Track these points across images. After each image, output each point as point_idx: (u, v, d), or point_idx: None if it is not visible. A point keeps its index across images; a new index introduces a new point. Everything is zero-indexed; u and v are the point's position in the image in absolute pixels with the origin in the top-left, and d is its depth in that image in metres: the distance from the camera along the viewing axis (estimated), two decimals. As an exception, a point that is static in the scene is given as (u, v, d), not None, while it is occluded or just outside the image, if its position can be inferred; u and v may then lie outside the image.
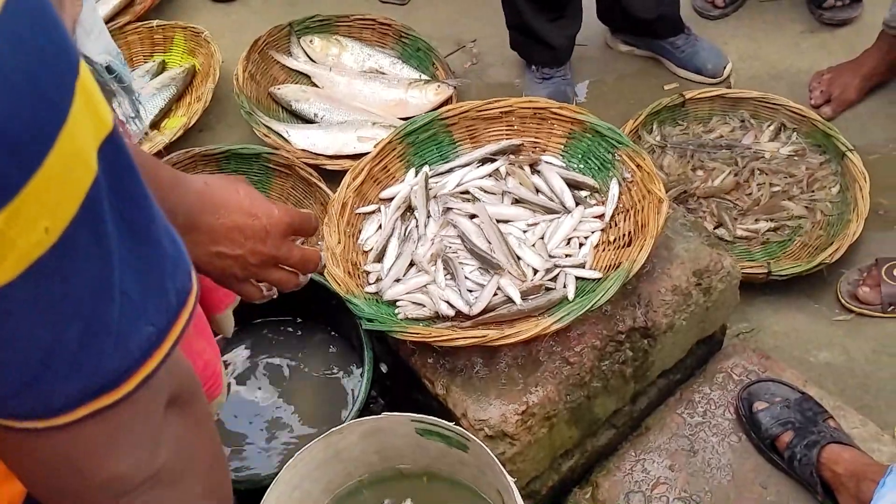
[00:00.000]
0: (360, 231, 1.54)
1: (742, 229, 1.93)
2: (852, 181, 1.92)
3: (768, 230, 1.92)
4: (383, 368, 1.54)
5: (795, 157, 2.03)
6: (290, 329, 1.60)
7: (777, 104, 2.08)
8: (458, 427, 1.25)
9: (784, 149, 2.04)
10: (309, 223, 0.96)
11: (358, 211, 1.54)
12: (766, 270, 1.79)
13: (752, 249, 1.91)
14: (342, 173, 1.59)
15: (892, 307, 1.77)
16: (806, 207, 1.94)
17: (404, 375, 1.48)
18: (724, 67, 2.27)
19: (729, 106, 2.13)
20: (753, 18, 2.43)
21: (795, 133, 2.06)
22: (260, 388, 1.54)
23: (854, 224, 1.83)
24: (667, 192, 1.95)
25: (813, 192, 1.97)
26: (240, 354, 1.58)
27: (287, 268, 0.95)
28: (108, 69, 0.96)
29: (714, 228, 1.93)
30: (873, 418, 1.55)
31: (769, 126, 2.08)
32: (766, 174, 2.00)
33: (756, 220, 1.94)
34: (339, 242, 1.47)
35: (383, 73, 2.30)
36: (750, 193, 1.98)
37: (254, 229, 0.88)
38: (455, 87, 2.21)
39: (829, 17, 2.36)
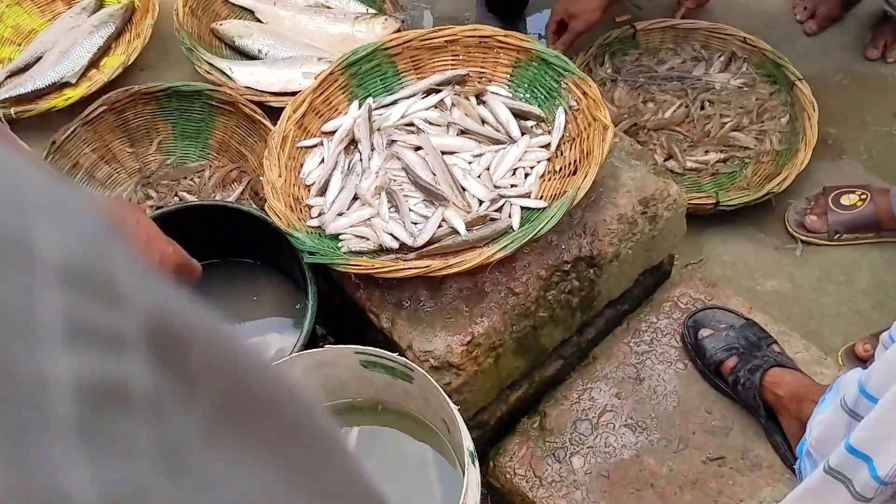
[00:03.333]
0: (301, 165, 1.50)
1: (692, 161, 1.92)
2: (801, 111, 1.92)
3: (717, 161, 1.92)
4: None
5: (745, 88, 2.02)
6: (231, 269, 1.57)
7: (727, 34, 2.07)
8: (401, 358, 1.24)
9: (734, 80, 2.03)
10: (194, 271, 0.94)
11: (299, 144, 1.51)
12: (713, 201, 1.79)
13: (701, 181, 1.91)
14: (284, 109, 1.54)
15: (839, 235, 1.79)
16: (756, 138, 1.94)
17: (351, 312, 1.47)
18: None
19: (681, 37, 2.11)
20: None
21: (746, 63, 2.05)
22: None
23: (802, 153, 1.84)
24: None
25: (763, 122, 1.97)
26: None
27: None
28: None
29: (664, 161, 1.93)
30: (817, 343, 1.57)
31: (720, 57, 2.07)
32: (717, 105, 1.99)
33: (706, 151, 1.94)
34: (280, 176, 1.44)
35: (329, 8, 2.23)
36: (699, 126, 1.97)
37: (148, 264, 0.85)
38: (403, 21, 2.15)
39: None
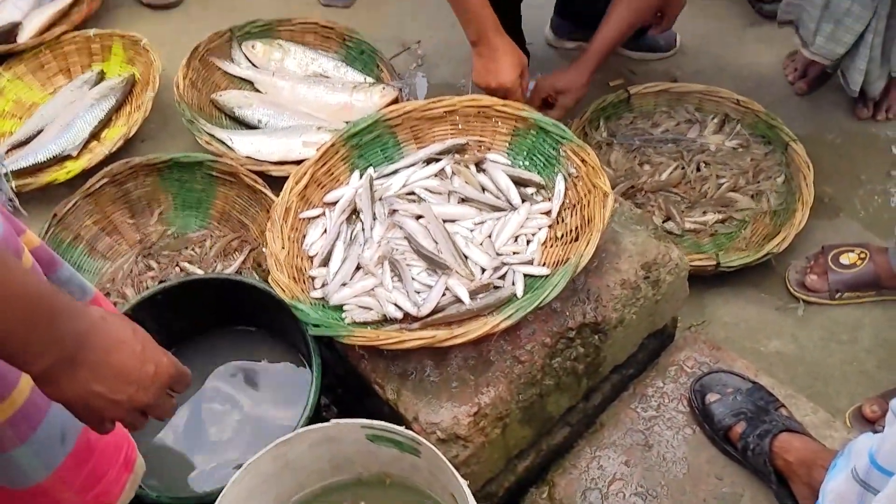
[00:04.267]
0: (304, 236, 1.50)
1: (690, 222, 1.94)
2: (796, 171, 1.94)
3: (716, 222, 1.94)
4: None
5: (740, 149, 2.05)
6: (235, 339, 1.56)
7: (721, 97, 2.10)
8: (408, 431, 1.22)
9: (729, 141, 2.06)
10: (186, 379, 0.93)
11: (302, 215, 1.51)
12: (714, 262, 1.79)
13: (700, 242, 1.92)
14: (287, 180, 1.55)
15: (840, 294, 1.79)
16: (752, 198, 1.96)
17: (355, 382, 1.45)
18: (675, 38, 2.31)
19: (674, 100, 2.15)
20: (696, 15, 2.45)
21: (739, 125, 2.08)
22: (205, 402, 1.50)
23: (800, 213, 1.85)
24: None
25: (759, 182, 1.99)
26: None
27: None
28: None
29: (663, 222, 1.94)
30: (824, 405, 1.56)
31: (713, 119, 2.10)
32: (712, 167, 2.01)
33: (704, 212, 1.95)
34: (284, 248, 1.44)
35: (327, 77, 2.27)
36: (696, 187, 1.99)
37: (141, 376, 0.85)
38: (401, 89, 2.19)
39: (769, 9, 2.39)
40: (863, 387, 1.67)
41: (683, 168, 2.03)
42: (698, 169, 2.03)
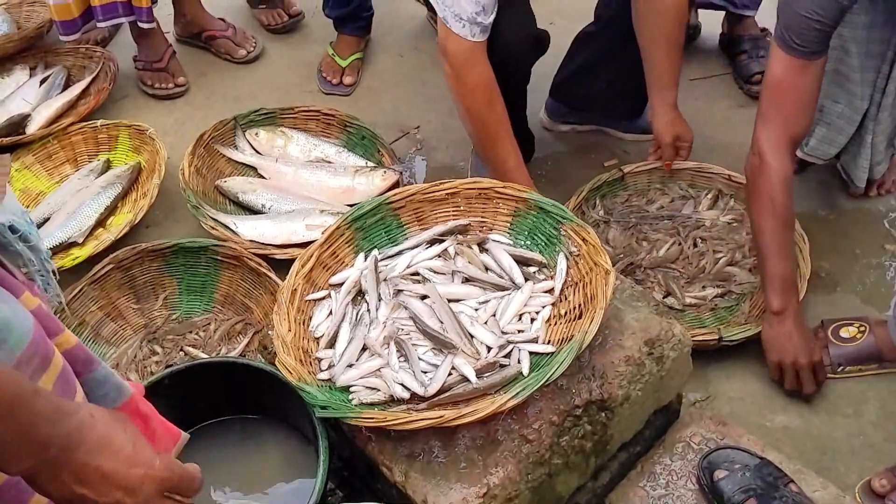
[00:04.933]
0: (310, 318, 1.52)
1: (690, 297, 1.96)
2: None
3: (716, 296, 1.96)
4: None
5: (735, 223, 2.08)
6: (241, 424, 1.55)
7: (712, 173, 2.16)
8: (418, 513, 1.22)
9: (724, 216, 2.10)
10: (192, 483, 0.89)
11: (308, 297, 1.53)
12: (717, 336, 1.81)
13: (702, 316, 1.94)
14: (292, 262, 1.58)
15: (842, 367, 1.80)
16: (750, 272, 1.98)
17: (362, 464, 1.45)
18: None
19: (667, 177, 2.20)
20: (686, 96, 2.51)
21: (733, 199, 2.13)
22: (212, 490, 1.48)
23: (798, 284, 1.87)
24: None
25: (755, 256, 2.02)
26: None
27: None
28: (12, 229, 0.91)
29: (663, 298, 1.96)
30: (833, 480, 1.55)
31: (707, 194, 2.15)
32: (709, 242, 2.05)
33: (703, 287, 1.98)
34: (290, 330, 1.45)
35: (329, 162, 2.32)
36: (694, 262, 2.02)
37: (127, 480, 0.82)
38: (401, 172, 2.24)
39: (757, 90, 2.46)
40: (871, 461, 1.67)
41: (680, 244, 2.06)
42: (695, 244, 2.06)
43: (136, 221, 2.12)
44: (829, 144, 1.98)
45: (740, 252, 2.02)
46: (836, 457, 1.68)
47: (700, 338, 1.80)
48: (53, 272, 1.00)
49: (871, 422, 1.74)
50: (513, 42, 1.89)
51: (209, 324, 1.97)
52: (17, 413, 0.74)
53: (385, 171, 2.22)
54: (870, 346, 1.78)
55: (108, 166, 2.35)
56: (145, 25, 2.57)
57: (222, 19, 2.87)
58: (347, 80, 2.67)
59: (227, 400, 1.55)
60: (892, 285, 1.98)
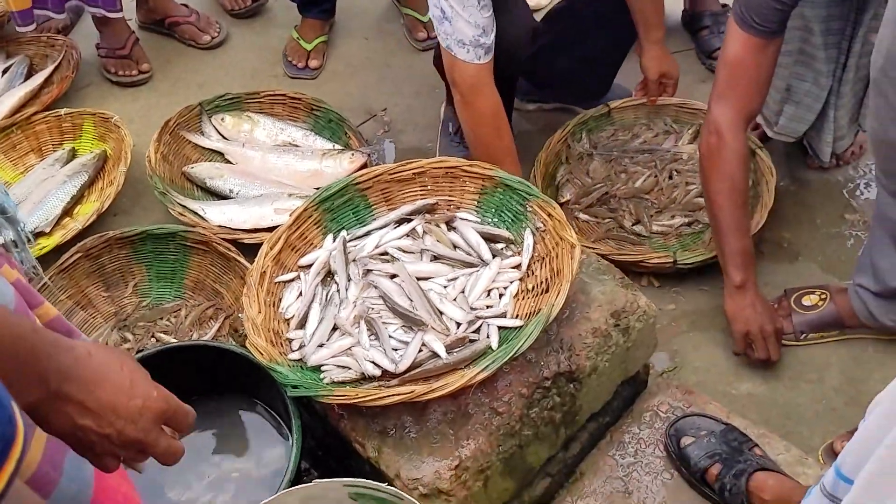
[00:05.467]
0: (280, 300, 1.53)
1: (658, 225, 2.06)
2: (761, 176, 2.04)
3: (682, 225, 2.05)
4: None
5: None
6: (213, 405, 1.56)
7: (695, 108, 2.23)
8: (391, 488, 1.24)
9: None
10: (186, 416, 0.92)
11: (277, 279, 1.54)
12: (672, 259, 1.91)
13: (667, 243, 2.04)
14: (261, 246, 1.58)
15: (804, 335, 1.84)
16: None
17: (335, 443, 1.46)
18: (630, 96, 2.40)
19: (653, 113, 2.29)
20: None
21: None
22: (185, 471, 1.49)
23: (758, 215, 1.95)
24: (590, 195, 2.12)
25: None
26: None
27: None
28: None
29: (632, 225, 2.07)
30: (797, 443, 1.60)
31: (689, 130, 2.23)
32: (683, 174, 2.14)
33: (672, 216, 2.07)
34: (260, 312, 1.46)
35: (296, 146, 2.32)
36: (667, 193, 2.11)
37: (128, 410, 0.84)
38: (369, 155, 2.24)
39: (711, 64, 2.50)
40: (833, 424, 1.71)
41: (656, 176, 2.16)
42: (671, 177, 2.16)
43: (104, 210, 2.11)
44: (798, 122, 2.02)
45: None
46: (799, 421, 1.73)
47: (656, 261, 1.92)
48: (28, 239, 1.01)
49: (833, 387, 1.78)
50: (514, 41, 1.93)
51: (180, 310, 1.97)
52: (18, 348, 0.76)
53: (353, 154, 2.23)
54: (831, 313, 1.83)
55: (73, 155, 2.33)
56: (112, 15, 2.55)
57: (185, 5, 2.85)
58: (313, 63, 2.66)
59: (199, 384, 1.56)
60: (853, 253, 2.02)
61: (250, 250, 1.93)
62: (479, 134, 1.93)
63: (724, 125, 1.75)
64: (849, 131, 2.03)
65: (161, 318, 1.97)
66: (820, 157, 2.08)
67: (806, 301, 1.85)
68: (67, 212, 2.19)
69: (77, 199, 2.22)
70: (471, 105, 1.89)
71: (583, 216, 2.12)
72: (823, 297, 1.85)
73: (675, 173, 2.16)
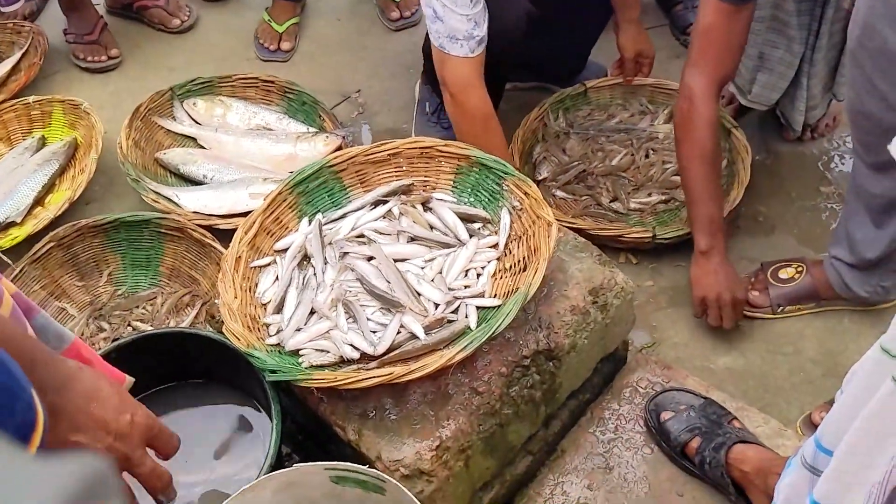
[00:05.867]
0: (256, 285, 1.52)
1: (635, 202, 2.07)
2: (737, 154, 2.06)
3: (659, 202, 2.07)
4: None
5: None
6: (192, 393, 1.55)
7: (671, 89, 2.24)
8: (372, 470, 1.23)
9: None
10: (170, 439, 0.93)
11: (253, 264, 1.53)
12: (651, 234, 1.93)
13: (644, 220, 2.06)
14: (236, 231, 1.56)
15: (781, 308, 1.85)
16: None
17: (316, 427, 1.46)
18: (606, 73, 2.40)
19: (628, 93, 2.30)
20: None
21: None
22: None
23: (735, 192, 1.97)
24: (567, 172, 2.13)
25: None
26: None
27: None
28: None
29: (609, 202, 2.08)
30: (775, 415, 1.61)
31: (664, 110, 2.24)
32: (660, 153, 2.15)
33: (649, 193, 2.09)
34: (236, 297, 1.45)
35: (270, 130, 2.30)
36: (644, 171, 2.12)
37: (118, 425, 0.85)
38: (344, 137, 2.22)
39: (685, 40, 2.50)
40: (811, 395, 1.73)
41: (633, 155, 2.17)
42: (647, 155, 2.17)
43: (76, 198, 2.08)
44: (771, 90, 2.03)
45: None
46: (777, 393, 1.74)
47: (636, 236, 1.95)
48: None
49: (810, 358, 1.80)
50: (510, 26, 1.91)
51: (156, 297, 1.95)
52: (21, 356, 0.76)
53: (327, 136, 2.21)
54: (807, 285, 1.84)
55: (43, 143, 2.29)
56: (6, 9, 2.51)
57: (153, -12, 2.80)
58: (285, 45, 2.63)
59: (178, 371, 1.55)
60: (828, 226, 2.04)
61: (226, 236, 1.91)
62: (468, 132, 1.92)
63: (696, 92, 1.76)
64: (822, 100, 2.04)
65: (137, 307, 1.95)
66: (793, 126, 2.10)
67: (782, 274, 1.86)
68: (39, 201, 2.16)
69: (48, 188, 2.18)
70: (461, 104, 1.89)
71: (560, 193, 2.12)
72: (799, 269, 1.86)
73: (652, 152, 2.17)
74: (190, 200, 2.06)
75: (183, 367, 1.55)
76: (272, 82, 2.38)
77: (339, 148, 2.18)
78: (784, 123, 2.15)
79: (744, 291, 1.81)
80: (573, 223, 1.93)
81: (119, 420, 0.85)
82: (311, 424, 1.48)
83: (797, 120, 2.05)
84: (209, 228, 1.97)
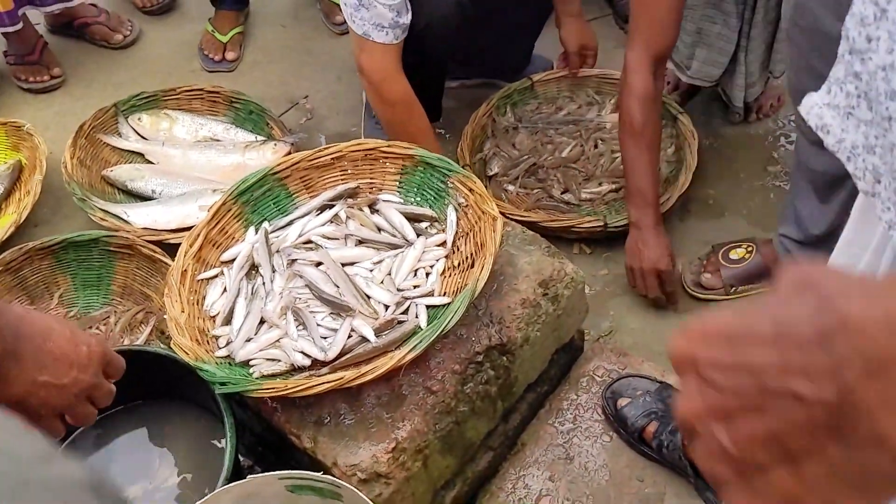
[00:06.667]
0: (204, 297, 1.50)
1: (586, 193, 2.08)
2: (683, 140, 2.08)
3: (610, 191, 2.08)
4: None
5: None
6: (146, 411, 1.53)
7: (616, 79, 2.23)
8: (327, 476, 1.23)
9: None
10: (119, 361, 0.94)
11: (200, 277, 1.51)
12: (602, 223, 1.94)
13: (596, 209, 2.08)
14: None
15: (734, 288, 1.87)
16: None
17: (273, 438, 1.45)
18: (552, 65, 2.42)
19: (575, 85, 2.31)
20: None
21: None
22: (118, 477, 1.46)
23: (683, 176, 1.99)
24: (518, 166, 2.14)
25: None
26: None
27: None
28: None
29: (561, 194, 2.09)
30: (732, 395, 1.62)
31: (611, 100, 2.25)
32: (608, 142, 2.16)
33: (599, 183, 2.10)
34: (183, 311, 1.43)
35: (218, 140, 2.28)
36: (593, 161, 2.14)
37: (79, 357, 0.86)
38: (293, 144, 2.21)
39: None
40: (767, 373, 1.74)
41: (582, 146, 2.18)
42: (596, 146, 2.18)
43: (22, 221, 2.04)
44: (711, 66, 2.05)
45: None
46: (734, 373, 1.75)
47: (587, 225, 1.95)
48: None
49: (765, 337, 1.81)
50: (440, 18, 1.92)
51: (109, 317, 1.92)
52: None
53: (276, 144, 2.19)
54: (758, 264, 1.86)
55: (-15, 167, 2.25)
56: (10, 29, 2.46)
57: (94, 5, 2.76)
58: (230, 55, 2.61)
59: (131, 389, 1.52)
60: (776, 205, 2.06)
61: (177, 251, 1.89)
62: (392, 120, 1.95)
63: (629, 65, 1.79)
64: (760, 78, 2.07)
65: (90, 327, 1.91)
66: (734, 103, 2.12)
67: (733, 255, 1.88)
68: (-16, 226, 2.12)
69: (-6, 212, 2.15)
70: (382, 94, 1.91)
71: (511, 188, 2.13)
72: (750, 249, 1.88)
73: (600, 142, 2.18)
74: (139, 216, 2.03)
75: (137, 385, 1.53)
76: (218, 93, 2.36)
77: (289, 154, 2.16)
78: (726, 101, 2.17)
79: (668, 263, 1.82)
80: (525, 217, 1.94)
81: (77, 352, 0.86)
82: (268, 435, 1.47)
83: (738, 97, 2.08)
84: (159, 244, 1.94)
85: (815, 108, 0.80)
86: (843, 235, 0.87)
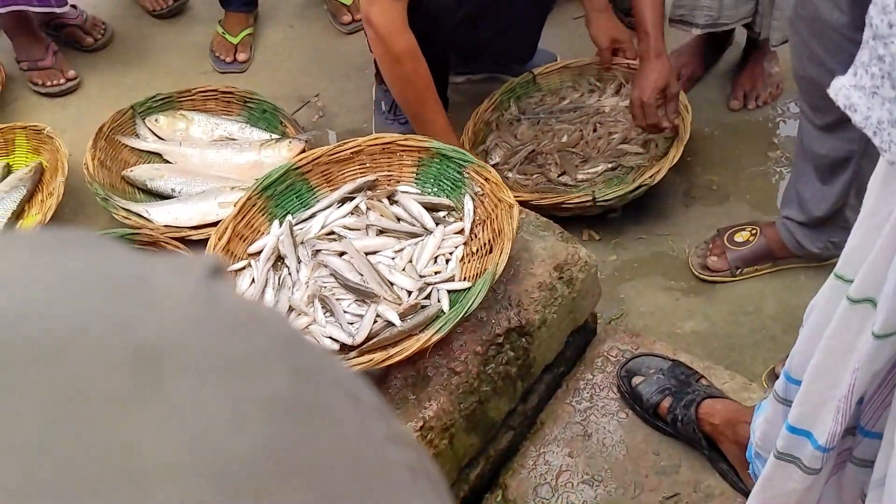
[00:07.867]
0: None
1: (583, 173, 2.13)
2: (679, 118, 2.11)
3: (606, 171, 2.13)
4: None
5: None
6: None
7: (614, 64, 2.30)
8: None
9: (623, 101, 2.24)
10: None
11: (229, 269, 1.57)
12: (591, 198, 1.98)
13: (591, 189, 2.11)
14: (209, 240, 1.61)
15: (739, 270, 1.93)
16: (642, 147, 2.13)
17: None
18: (556, 57, 2.47)
19: (577, 74, 2.36)
20: (570, 34, 2.62)
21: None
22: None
23: (674, 150, 2.02)
24: (517, 154, 2.19)
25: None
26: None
27: None
28: None
29: (558, 176, 2.14)
30: (740, 372, 1.69)
31: (611, 84, 2.30)
32: (606, 125, 2.22)
33: (596, 164, 2.15)
34: (215, 302, 1.49)
35: (234, 139, 2.33)
36: (592, 144, 2.19)
37: None
38: (307, 141, 2.27)
39: (630, 21, 2.57)
40: (773, 351, 1.81)
41: (581, 130, 2.23)
42: (595, 130, 2.23)
43: (46, 221, 2.10)
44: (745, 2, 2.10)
45: (634, 130, 2.17)
46: (742, 351, 1.82)
47: (576, 202, 1.99)
48: None
49: (771, 316, 1.88)
50: (440, 7, 1.97)
51: (135, 312, 1.98)
52: None
53: (290, 142, 2.25)
54: (762, 246, 1.92)
55: (8, 171, 2.31)
56: (57, 10, 2.51)
57: (74, 6, 2.79)
58: (241, 56, 2.67)
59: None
60: (778, 189, 2.13)
61: (199, 246, 1.95)
62: (398, 73, 1.95)
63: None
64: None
65: (117, 323, 1.97)
66: (771, 34, 2.13)
67: (738, 238, 1.94)
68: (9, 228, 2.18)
69: (17, 214, 2.20)
70: (389, 47, 1.91)
71: (512, 175, 2.18)
72: (754, 232, 1.94)
73: (599, 125, 2.23)
74: (160, 214, 2.09)
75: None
76: (231, 93, 2.42)
77: (303, 151, 2.22)
78: (755, 37, 2.21)
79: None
80: (519, 196, 1.97)
81: None
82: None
83: (776, 27, 2.10)
84: (182, 240, 2.00)
85: (843, 89, 0.88)
86: (863, 208, 0.94)
